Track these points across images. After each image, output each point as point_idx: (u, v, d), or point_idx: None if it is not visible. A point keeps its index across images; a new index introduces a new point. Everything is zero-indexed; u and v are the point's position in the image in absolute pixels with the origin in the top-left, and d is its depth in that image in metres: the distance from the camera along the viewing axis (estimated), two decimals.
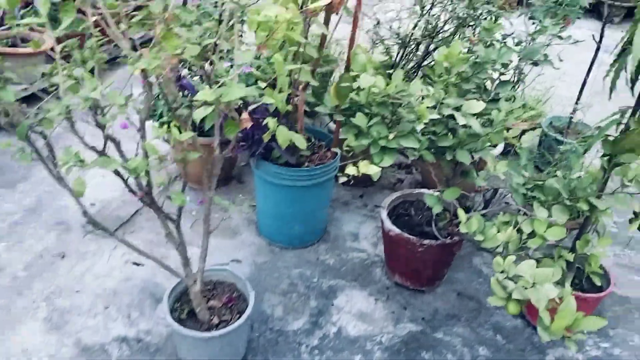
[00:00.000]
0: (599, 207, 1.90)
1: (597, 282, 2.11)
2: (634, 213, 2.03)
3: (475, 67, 1.92)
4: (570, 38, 2.26)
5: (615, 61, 1.86)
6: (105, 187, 2.97)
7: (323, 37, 2.13)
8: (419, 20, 2.62)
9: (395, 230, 2.29)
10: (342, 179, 1.81)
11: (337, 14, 1.97)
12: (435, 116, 1.88)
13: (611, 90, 1.85)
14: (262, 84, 1.62)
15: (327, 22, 2.12)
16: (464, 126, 1.91)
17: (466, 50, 1.94)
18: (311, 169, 2.35)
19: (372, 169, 1.78)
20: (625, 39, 1.83)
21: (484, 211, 2.23)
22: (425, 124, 2.00)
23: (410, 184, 3.30)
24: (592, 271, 2.13)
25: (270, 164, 2.37)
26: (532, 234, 1.96)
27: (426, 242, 2.23)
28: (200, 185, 3.07)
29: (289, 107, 2.28)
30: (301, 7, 1.89)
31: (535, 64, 2.08)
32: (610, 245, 2.87)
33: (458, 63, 1.83)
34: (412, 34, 2.52)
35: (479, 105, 1.89)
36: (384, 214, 2.39)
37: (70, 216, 2.78)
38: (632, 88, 1.87)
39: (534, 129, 3.42)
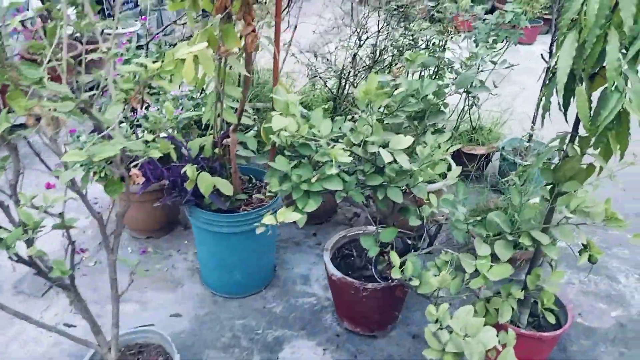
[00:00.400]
0: (542, 242, 1.77)
1: (551, 320, 1.97)
2: (583, 245, 1.90)
3: (401, 100, 1.80)
4: (505, 62, 2.16)
5: (546, 86, 1.75)
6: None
7: (246, 77, 2.02)
8: (356, 53, 2.51)
9: (337, 274, 2.14)
10: (260, 230, 1.67)
11: (250, 52, 1.85)
12: (361, 154, 1.76)
13: (543, 117, 1.73)
14: (150, 136, 1.48)
15: (248, 60, 2.00)
16: (394, 162, 1.79)
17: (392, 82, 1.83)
18: (246, 214, 2.21)
19: (293, 216, 1.64)
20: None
21: (428, 249, 2.09)
22: (355, 161, 1.87)
23: (367, 219, 3.16)
24: (545, 308, 1.99)
25: (202, 211, 2.22)
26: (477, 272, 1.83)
27: (370, 285, 2.08)
28: (144, 232, 2.93)
29: (217, 151, 2.16)
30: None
31: (467, 92, 1.97)
32: (575, 272, 2.74)
33: (378, 98, 1.71)
34: (347, 65, 2.42)
35: (406, 140, 1.77)
36: (327, 256, 2.24)
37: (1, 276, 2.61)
38: (564, 114, 1.76)
39: (491, 153, 3.30)
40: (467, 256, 1.88)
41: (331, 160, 1.54)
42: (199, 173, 1.96)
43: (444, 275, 1.67)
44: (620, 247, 2.94)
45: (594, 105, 1.65)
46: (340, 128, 1.72)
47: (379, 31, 2.39)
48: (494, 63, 2.00)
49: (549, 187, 1.89)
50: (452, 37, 3.06)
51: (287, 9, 3.13)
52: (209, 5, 1.81)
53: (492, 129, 3.42)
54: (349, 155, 1.74)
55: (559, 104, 1.77)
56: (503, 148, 3.18)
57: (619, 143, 1.73)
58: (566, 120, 1.75)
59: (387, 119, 1.86)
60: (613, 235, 3.04)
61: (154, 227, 2.86)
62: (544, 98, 1.71)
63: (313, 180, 1.72)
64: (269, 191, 1.74)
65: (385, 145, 1.79)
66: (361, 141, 1.77)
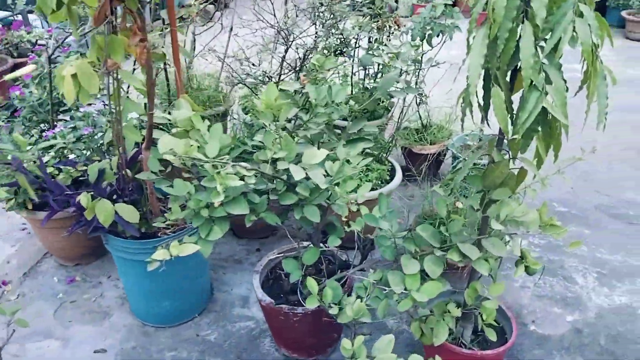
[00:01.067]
0: (470, 257, 1.62)
1: (492, 337, 1.82)
2: (520, 256, 1.75)
3: (310, 110, 1.64)
4: (431, 60, 2.00)
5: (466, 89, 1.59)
6: None
7: (149, 89, 1.83)
8: (284, 56, 2.33)
9: (266, 299, 1.97)
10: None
11: (142, 64, 1.67)
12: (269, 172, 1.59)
13: (462, 120, 1.58)
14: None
15: (149, 72, 1.82)
16: (306, 179, 1.62)
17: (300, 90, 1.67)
18: (161, 239, 2.03)
19: (190, 249, 1.47)
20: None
21: (359, 267, 1.93)
22: (271, 179, 1.70)
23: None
24: (486, 324, 1.84)
25: (117, 238, 2.04)
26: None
27: (299, 310, 1.92)
28: (72, 260, 2.74)
29: (125, 173, 1.98)
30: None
31: (390, 96, 1.80)
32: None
33: (282, 109, 1.54)
34: (271, 71, 2.24)
35: (320, 154, 1.60)
36: (256, 280, 2.07)
37: None
38: (485, 117, 1.61)
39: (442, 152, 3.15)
40: (397, 274, 1.72)
41: (216, 188, 1.36)
42: (98, 200, 1.78)
43: (360, 305, 1.51)
44: None
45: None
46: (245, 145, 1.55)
47: (302, 31, 2.22)
48: (419, 62, 1.84)
49: (479, 194, 1.74)
50: (391, 33, 2.90)
51: (217, 14, 2.96)
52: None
53: (443, 126, 3.27)
54: (256, 175, 1.58)
55: (478, 104, 1.62)
56: (452, 145, 3.03)
57: (549, 144, 1.58)
58: (488, 124, 1.60)
59: (300, 131, 1.70)
60: (570, 233, 2.91)
61: (82, 253, 2.67)
62: (462, 99, 1.55)
63: (216, 204, 1.55)
64: (170, 220, 1.57)
65: (299, 161, 1.63)
66: (269, 158, 1.60)
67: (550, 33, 1.38)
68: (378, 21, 2.85)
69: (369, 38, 3.00)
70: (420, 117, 3.22)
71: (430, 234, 1.69)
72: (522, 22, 1.38)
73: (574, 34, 1.37)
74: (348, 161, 1.59)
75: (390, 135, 2.97)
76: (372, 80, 3.12)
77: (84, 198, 1.72)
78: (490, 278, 1.80)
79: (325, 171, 1.57)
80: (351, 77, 3.25)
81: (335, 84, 1.66)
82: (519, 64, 1.52)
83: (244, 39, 2.51)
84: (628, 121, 4.26)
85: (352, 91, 3.28)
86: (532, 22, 1.35)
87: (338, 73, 2.85)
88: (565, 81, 1.47)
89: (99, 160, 1.96)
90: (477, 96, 1.61)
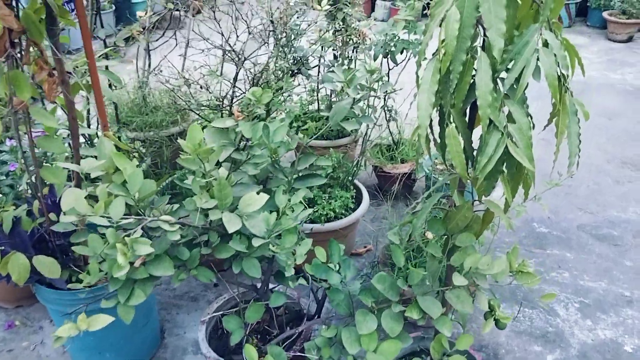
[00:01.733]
0: (431, 316, 1.42)
1: None
2: (489, 309, 1.56)
3: (244, 152, 1.44)
4: (388, 85, 1.80)
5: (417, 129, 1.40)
6: None
7: (72, 128, 1.62)
8: (235, 77, 2.12)
9: (211, 355, 1.77)
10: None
11: (51, 101, 1.47)
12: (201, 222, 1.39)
13: (419, 155, 1.38)
14: None
15: (70, 107, 1.61)
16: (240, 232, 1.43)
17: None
18: (94, 289, 1.81)
19: (102, 320, 1.27)
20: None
21: (311, 322, 1.73)
22: (203, 231, 1.50)
23: None
24: None
25: (44, 288, 1.83)
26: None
27: None
28: (13, 302, 2.52)
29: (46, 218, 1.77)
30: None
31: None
32: (508, 304, 2.42)
33: (212, 152, 1.35)
34: (221, 95, 2.03)
35: (259, 200, 1.40)
36: (201, 332, 1.86)
37: None
38: (442, 158, 1.42)
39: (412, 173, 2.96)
40: (352, 331, 1.53)
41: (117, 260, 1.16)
42: (12, 254, 1.57)
43: None
44: (559, 271, 2.63)
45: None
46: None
47: (253, 52, 2.01)
48: (373, 90, 1.65)
49: (442, 238, 1.56)
50: (356, 47, 2.70)
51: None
52: None
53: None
54: (182, 228, 1.37)
55: (435, 141, 1.43)
56: (423, 165, 2.84)
57: (516, 185, 1.40)
58: (446, 164, 1.41)
59: (238, 173, 1.50)
60: (551, 257, 2.73)
61: (24, 295, 2.45)
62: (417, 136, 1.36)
63: (136, 264, 1.35)
64: (86, 282, 1.36)
65: (236, 207, 1.43)
66: (198, 207, 1.40)
67: (512, 64, 1.19)
68: (342, 35, 2.65)
69: (334, 54, 2.80)
70: (391, 133, 3.03)
71: (388, 286, 1.50)
72: (476, 53, 1.19)
73: (539, 65, 1.18)
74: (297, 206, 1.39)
75: (358, 155, 2.78)
76: (337, 98, 2.92)
77: None
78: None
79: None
80: (317, 93, 3.06)
81: (275, 119, 1.46)
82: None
83: (192, 60, 2.31)
84: (611, 129, 4.11)
85: (318, 107, 3.09)
86: (489, 54, 1.16)
87: (293, 95, 2.66)
88: (531, 117, 1.29)
89: (17, 207, 1.74)
90: (432, 133, 1.42)
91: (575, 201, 3.22)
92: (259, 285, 1.76)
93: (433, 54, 1.21)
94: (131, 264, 1.37)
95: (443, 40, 1.16)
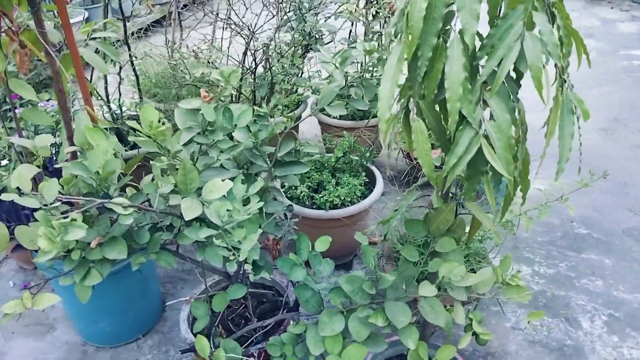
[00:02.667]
0: (396, 325, 1.30)
1: None
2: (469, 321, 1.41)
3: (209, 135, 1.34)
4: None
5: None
6: None
7: (60, 98, 1.59)
8: (245, 51, 2.02)
9: (189, 337, 1.73)
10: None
11: (24, 73, 1.43)
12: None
13: (388, 147, 1.25)
14: None
15: (56, 79, 1.58)
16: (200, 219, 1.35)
17: None
18: (56, 264, 1.81)
19: (47, 300, 1.24)
20: None
21: (283, 315, 1.64)
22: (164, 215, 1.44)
23: None
24: None
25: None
26: None
27: None
28: (30, 264, 2.61)
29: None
30: None
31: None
32: (526, 310, 2.23)
33: (163, 135, 1.27)
34: None
35: (222, 186, 1.32)
36: (184, 312, 1.83)
37: None
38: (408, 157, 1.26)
39: None
40: (318, 330, 1.43)
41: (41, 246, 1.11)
42: None
43: None
44: (591, 278, 2.39)
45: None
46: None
47: (262, 25, 1.90)
48: (367, 71, 1.50)
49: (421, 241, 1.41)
50: (386, 22, 2.53)
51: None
52: None
53: None
54: (137, 212, 1.32)
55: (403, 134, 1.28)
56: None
57: (525, 184, 1.22)
58: (412, 162, 1.26)
59: (203, 158, 1.42)
60: (586, 262, 2.49)
61: None
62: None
63: (93, 244, 1.31)
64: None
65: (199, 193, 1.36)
66: (158, 191, 1.33)
67: (492, 51, 1.02)
68: (372, 7, 2.48)
69: (364, 28, 2.63)
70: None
71: (358, 288, 1.38)
72: (450, 37, 1.03)
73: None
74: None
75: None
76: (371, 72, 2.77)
77: None
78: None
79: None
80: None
81: (244, 108, 1.35)
82: None
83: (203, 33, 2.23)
84: None
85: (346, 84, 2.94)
86: (462, 38, 1.00)
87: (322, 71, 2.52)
88: (519, 112, 1.11)
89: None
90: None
91: (625, 201, 2.91)
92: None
93: (399, 37, 1.06)
94: (89, 244, 1.35)
95: (408, 22, 1.01)
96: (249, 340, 1.67)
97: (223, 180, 1.34)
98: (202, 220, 1.37)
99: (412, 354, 1.51)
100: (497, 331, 2.14)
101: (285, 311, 1.70)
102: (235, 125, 1.35)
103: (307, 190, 2.24)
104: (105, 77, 2.41)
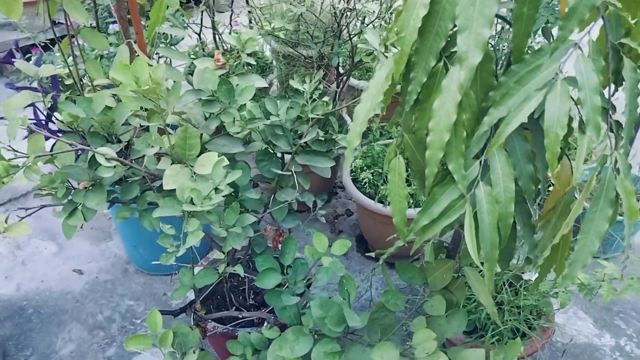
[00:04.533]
0: None
1: None
2: None
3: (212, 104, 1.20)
4: None
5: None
6: None
7: (122, 25, 1.56)
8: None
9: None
10: None
11: None
12: None
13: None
14: None
15: None
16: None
17: None
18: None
19: (20, 230, 1.25)
20: None
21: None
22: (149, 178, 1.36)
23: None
24: None
25: None
26: None
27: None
28: None
29: None
30: None
31: None
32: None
33: (154, 92, 1.15)
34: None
35: (212, 159, 1.21)
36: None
37: None
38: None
39: None
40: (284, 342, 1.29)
41: None
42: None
43: None
44: None
45: None
46: None
47: None
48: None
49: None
50: None
51: None
52: None
53: None
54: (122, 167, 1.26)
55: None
56: None
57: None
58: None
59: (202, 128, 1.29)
60: None
61: None
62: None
63: (80, 187, 1.29)
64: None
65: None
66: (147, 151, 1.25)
67: (502, 96, 0.74)
68: None
69: None
70: None
71: (334, 315, 1.20)
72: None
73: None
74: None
75: None
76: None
77: None
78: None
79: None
80: None
81: (249, 83, 1.17)
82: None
83: None
84: None
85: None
86: (462, 68, 0.73)
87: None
88: (526, 178, 0.81)
89: None
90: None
91: None
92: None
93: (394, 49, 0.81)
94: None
95: (398, 33, 0.75)
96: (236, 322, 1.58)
97: (220, 156, 1.23)
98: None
99: None
100: None
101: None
102: (235, 100, 1.19)
103: (372, 177, 2.03)
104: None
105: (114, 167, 1.24)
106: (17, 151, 1.11)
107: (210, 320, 1.49)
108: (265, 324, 1.39)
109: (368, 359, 1.13)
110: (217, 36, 2.36)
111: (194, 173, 1.24)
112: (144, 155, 1.31)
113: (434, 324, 1.09)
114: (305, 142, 1.38)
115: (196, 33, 2.58)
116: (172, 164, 1.25)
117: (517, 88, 0.72)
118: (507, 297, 1.66)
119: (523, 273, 1.81)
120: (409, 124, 0.84)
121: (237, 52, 1.25)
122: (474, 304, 1.71)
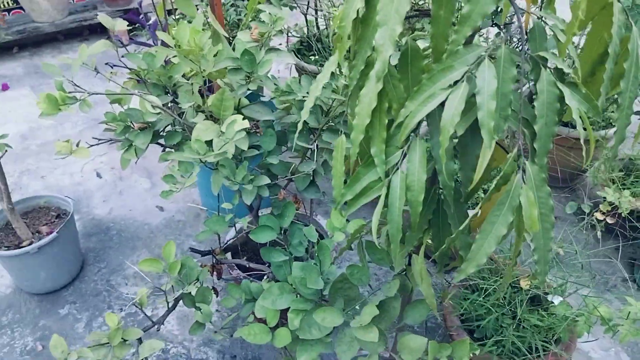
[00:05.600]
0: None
1: None
2: None
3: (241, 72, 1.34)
4: None
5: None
6: None
7: None
8: None
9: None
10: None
11: None
12: None
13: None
14: None
15: None
16: None
17: None
18: None
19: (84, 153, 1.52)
20: None
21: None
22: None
23: None
24: None
25: None
26: None
27: None
28: None
29: None
30: None
31: None
32: None
33: (195, 54, 1.31)
34: None
35: (241, 125, 1.37)
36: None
37: None
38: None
39: None
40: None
41: None
42: None
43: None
44: None
45: None
46: None
47: None
48: None
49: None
50: None
51: None
52: None
53: None
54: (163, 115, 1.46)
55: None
56: None
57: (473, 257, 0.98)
58: None
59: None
60: None
61: None
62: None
63: (135, 127, 1.52)
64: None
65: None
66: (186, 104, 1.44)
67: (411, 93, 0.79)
68: None
69: None
70: None
71: (309, 280, 1.30)
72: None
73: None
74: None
75: None
76: None
77: None
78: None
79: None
80: None
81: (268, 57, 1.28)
82: None
83: None
84: None
85: None
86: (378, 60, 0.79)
87: None
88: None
89: None
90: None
91: None
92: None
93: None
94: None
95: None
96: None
97: (244, 119, 1.38)
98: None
99: None
100: None
101: None
102: (257, 70, 1.32)
103: None
104: None
105: (158, 113, 1.45)
106: (77, 85, 1.35)
107: (226, 265, 1.67)
108: (265, 277, 1.53)
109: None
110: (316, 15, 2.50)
111: (222, 131, 1.40)
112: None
113: (387, 305, 1.15)
114: (332, 121, 1.48)
115: (303, 14, 2.77)
116: (205, 119, 1.43)
117: (429, 85, 0.76)
118: (519, 312, 1.63)
119: (547, 295, 1.75)
120: (353, 104, 0.91)
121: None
122: (484, 311, 1.70)
